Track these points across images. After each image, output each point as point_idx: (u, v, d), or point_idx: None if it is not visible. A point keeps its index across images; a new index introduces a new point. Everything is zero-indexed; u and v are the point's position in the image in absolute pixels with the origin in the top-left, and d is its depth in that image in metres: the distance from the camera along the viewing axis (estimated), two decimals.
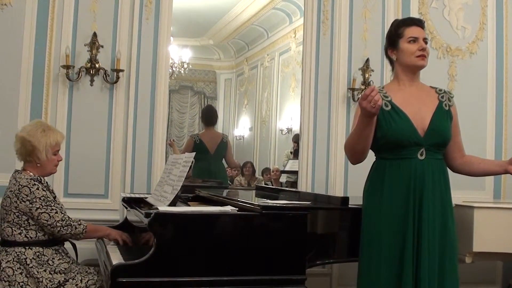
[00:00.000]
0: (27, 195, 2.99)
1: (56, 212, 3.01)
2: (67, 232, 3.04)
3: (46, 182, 3.14)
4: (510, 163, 2.83)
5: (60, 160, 3.25)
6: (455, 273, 2.78)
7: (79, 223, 3.08)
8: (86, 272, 3.09)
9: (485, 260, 4.16)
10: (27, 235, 3.01)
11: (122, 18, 4.35)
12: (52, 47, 4.22)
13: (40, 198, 3.00)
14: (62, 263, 3.04)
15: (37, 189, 3.01)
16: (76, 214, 3.62)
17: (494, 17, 5.07)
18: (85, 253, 3.34)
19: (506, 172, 2.86)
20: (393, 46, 2.92)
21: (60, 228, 3.01)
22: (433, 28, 4.94)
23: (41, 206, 2.99)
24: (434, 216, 2.74)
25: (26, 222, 3.01)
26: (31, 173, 3.10)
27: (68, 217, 3.06)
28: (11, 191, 3.05)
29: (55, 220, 3.00)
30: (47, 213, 2.99)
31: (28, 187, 3.00)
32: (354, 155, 2.87)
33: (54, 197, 3.12)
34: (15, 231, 3.01)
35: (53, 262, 3.02)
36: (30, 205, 2.98)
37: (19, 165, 3.21)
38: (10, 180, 3.12)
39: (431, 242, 2.71)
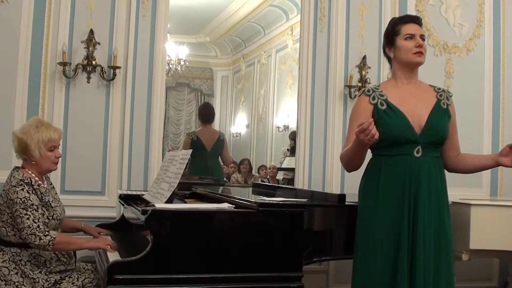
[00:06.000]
0: (11, 195, 2.91)
1: (28, 218, 2.85)
2: (31, 241, 2.83)
3: (43, 181, 3.07)
4: (501, 154, 2.79)
5: (59, 157, 3.13)
6: (451, 270, 2.78)
7: (46, 234, 2.84)
8: (84, 269, 3.09)
9: (482, 258, 4.17)
10: (21, 237, 2.93)
11: (119, 15, 4.34)
12: (48, 44, 4.22)
13: (21, 199, 2.89)
14: (59, 265, 3.01)
15: (22, 190, 2.91)
16: (73, 211, 3.63)
17: (491, 14, 5.08)
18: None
19: (498, 164, 2.83)
20: (390, 44, 2.92)
21: (26, 236, 2.84)
22: (430, 25, 4.93)
23: (19, 208, 2.88)
24: (430, 213, 2.74)
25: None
26: (29, 172, 3.03)
27: (38, 226, 2.84)
28: (4, 190, 3.00)
29: (23, 226, 2.84)
30: (21, 216, 2.86)
31: (15, 187, 2.92)
32: (349, 168, 2.94)
33: (47, 202, 3.02)
34: (9, 232, 2.95)
35: (50, 263, 2.99)
36: (12, 207, 2.91)
37: (18, 162, 3.19)
38: (7, 177, 3.06)
39: (427, 239, 2.71)
